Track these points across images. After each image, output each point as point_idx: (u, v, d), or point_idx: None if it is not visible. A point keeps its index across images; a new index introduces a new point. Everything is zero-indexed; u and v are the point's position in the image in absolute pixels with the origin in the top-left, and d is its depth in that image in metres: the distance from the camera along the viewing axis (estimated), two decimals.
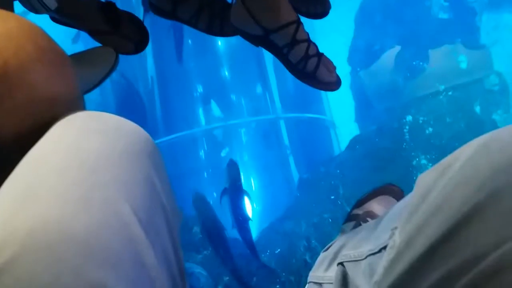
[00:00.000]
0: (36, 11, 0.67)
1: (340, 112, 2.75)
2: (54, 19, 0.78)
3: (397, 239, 0.38)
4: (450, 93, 1.97)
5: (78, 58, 0.76)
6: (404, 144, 1.86)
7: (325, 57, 0.74)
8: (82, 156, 0.27)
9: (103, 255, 0.24)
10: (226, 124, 2.11)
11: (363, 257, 0.49)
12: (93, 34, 0.78)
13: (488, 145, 0.32)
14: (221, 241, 1.52)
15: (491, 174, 0.30)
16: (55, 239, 0.23)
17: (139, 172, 0.29)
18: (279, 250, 1.56)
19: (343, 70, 2.89)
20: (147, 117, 2.22)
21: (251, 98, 2.24)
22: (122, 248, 0.25)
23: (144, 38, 0.82)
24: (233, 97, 2.22)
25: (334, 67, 0.75)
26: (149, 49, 2.23)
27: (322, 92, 2.63)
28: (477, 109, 1.96)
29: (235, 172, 1.74)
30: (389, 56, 2.35)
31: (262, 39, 0.71)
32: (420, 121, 1.91)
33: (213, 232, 1.52)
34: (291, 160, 2.16)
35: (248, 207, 1.91)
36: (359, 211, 0.72)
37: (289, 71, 0.74)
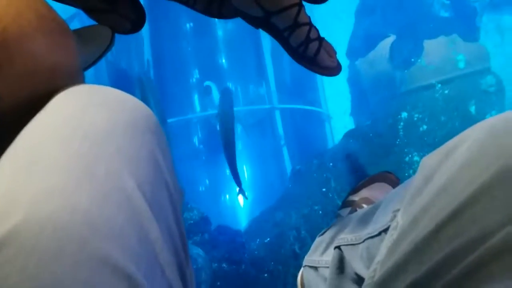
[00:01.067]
0: None
1: (336, 105, 2.76)
2: None
3: (400, 220, 0.38)
4: (446, 91, 1.98)
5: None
6: (398, 140, 1.87)
7: (326, 41, 0.73)
8: (85, 128, 0.27)
9: (107, 227, 0.23)
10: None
11: (361, 241, 0.49)
12: (88, 12, 0.76)
13: (495, 126, 0.32)
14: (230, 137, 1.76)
15: (498, 154, 0.30)
16: (58, 209, 0.23)
17: (142, 146, 0.29)
18: (268, 239, 1.57)
19: (342, 63, 2.88)
20: (141, 101, 2.21)
21: (247, 87, 2.23)
22: (126, 221, 0.24)
23: (141, 17, 0.80)
24: (230, 85, 2.21)
25: (335, 52, 0.74)
26: (146, 31, 2.21)
27: (319, 84, 2.62)
28: (472, 109, 1.97)
29: (228, 99, 1.80)
30: (387, 50, 2.35)
31: (262, 21, 0.70)
32: (415, 118, 1.92)
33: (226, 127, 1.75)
34: (285, 151, 2.16)
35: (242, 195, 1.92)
36: (355, 197, 0.72)
37: (289, 54, 0.73)
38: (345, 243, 0.52)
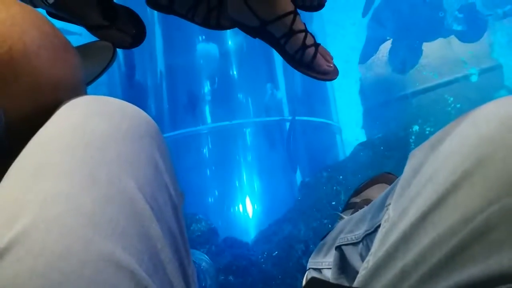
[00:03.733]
0: (34, 5, 0.67)
1: (348, 118, 2.75)
2: (51, 14, 0.78)
3: (391, 213, 0.39)
4: (458, 105, 1.96)
5: None
6: (409, 154, 1.84)
7: (322, 47, 0.74)
8: (88, 136, 0.29)
9: (110, 227, 0.25)
10: (231, 123, 2.12)
11: (360, 239, 0.50)
12: (90, 28, 0.79)
13: (476, 117, 0.33)
14: None
15: (478, 143, 0.31)
16: (64, 211, 0.24)
17: (142, 150, 0.30)
18: (276, 252, 1.56)
19: (353, 75, 2.88)
20: (154, 111, 2.23)
21: (258, 98, 2.24)
22: (128, 221, 0.26)
23: (141, 32, 0.82)
24: (240, 96, 2.22)
25: (331, 57, 0.75)
26: (159, 43, 2.24)
27: (330, 96, 2.62)
28: None
29: None
30: (399, 64, 2.33)
31: (259, 30, 0.71)
32: (427, 132, 1.90)
33: None
34: (293, 164, 2.15)
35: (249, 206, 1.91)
36: (357, 199, 0.73)
37: (287, 61, 0.75)
38: (346, 243, 0.53)
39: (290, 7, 0.68)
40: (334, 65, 0.75)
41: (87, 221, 0.24)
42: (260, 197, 1.95)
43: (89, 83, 0.78)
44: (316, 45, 0.72)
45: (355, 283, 0.39)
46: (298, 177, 2.07)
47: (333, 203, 1.70)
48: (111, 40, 0.78)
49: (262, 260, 1.54)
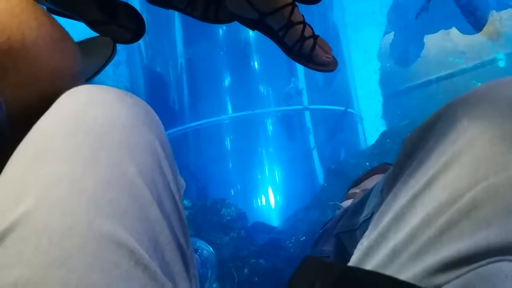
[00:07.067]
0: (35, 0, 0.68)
1: (367, 108, 2.73)
2: (50, 10, 0.79)
3: (384, 196, 0.40)
4: None
5: None
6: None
7: (321, 38, 0.74)
8: (88, 122, 0.29)
9: (111, 209, 0.25)
10: (252, 113, 2.12)
11: (358, 226, 0.51)
12: (89, 24, 0.79)
13: (466, 100, 0.34)
14: None
15: (467, 125, 0.32)
16: (67, 193, 0.25)
17: (141, 138, 0.31)
18: (303, 237, 1.56)
19: (373, 65, 2.86)
20: (175, 102, 2.25)
21: (279, 88, 2.24)
22: (128, 203, 0.26)
23: (141, 27, 0.82)
24: (261, 86, 2.22)
25: (330, 49, 0.75)
26: (179, 35, 2.26)
27: (351, 86, 2.61)
28: None
29: None
30: (423, 52, 2.31)
31: (257, 23, 0.71)
32: None
33: None
34: (315, 152, 2.15)
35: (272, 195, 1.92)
36: (356, 190, 0.74)
37: (285, 53, 0.75)
38: (344, 230, 0.54)
39: None
40: (333, 56, 0.75)
41: (89, 202, 0.25)
42: (286, 185, 1.96)
43: (89, 78, 0.79)
44: (315, 37, 0.72)
45: (349, 264, 0.39)
46: (319, 166, 2.07)
47: None
48: (110, 36, 0.79)
49: (290, 245, 1.55)
